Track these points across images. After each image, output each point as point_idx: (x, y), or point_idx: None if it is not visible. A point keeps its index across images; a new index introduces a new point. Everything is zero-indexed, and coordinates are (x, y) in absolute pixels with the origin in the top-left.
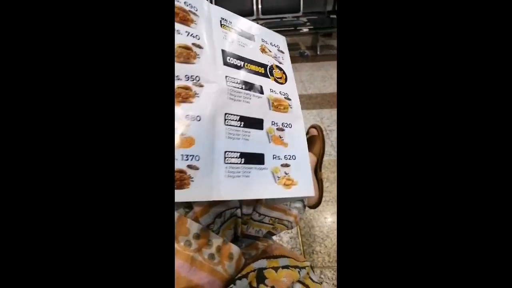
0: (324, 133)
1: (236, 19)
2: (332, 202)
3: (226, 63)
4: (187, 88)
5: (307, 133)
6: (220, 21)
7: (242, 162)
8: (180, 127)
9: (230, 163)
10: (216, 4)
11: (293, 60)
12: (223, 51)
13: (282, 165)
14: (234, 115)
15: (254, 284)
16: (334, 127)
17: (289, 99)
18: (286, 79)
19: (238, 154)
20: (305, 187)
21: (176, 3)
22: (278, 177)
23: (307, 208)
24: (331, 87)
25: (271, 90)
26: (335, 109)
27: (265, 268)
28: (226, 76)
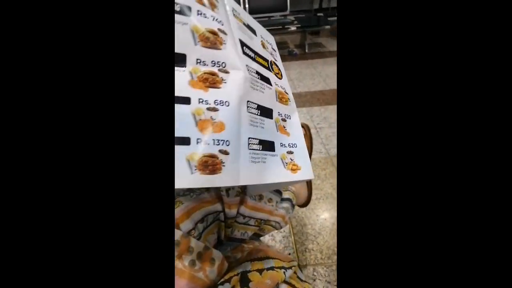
0: (314, 130)
1: (244, 12)
2: (323, 199)
3: (244, 52)
4: (213, 74)
5: None
6: (233, 11)
7: (261, 148)
8: (210, 112)
9: (252, 149)
10: None
11: (282, 58)
12: (240, 40)
13: (287, 152)
14: (254, 103)
15: None
16: (324, 124)
17: (287, 93)
18: (282, 75)
19: (258, 141)
20: (308, 172)
21: None
22: (286, 163)
23: (296, 207)
24: (320, 84)
25: (275, 83)
26: (325, 107)
27: (249, 271)
28: (246, 65)
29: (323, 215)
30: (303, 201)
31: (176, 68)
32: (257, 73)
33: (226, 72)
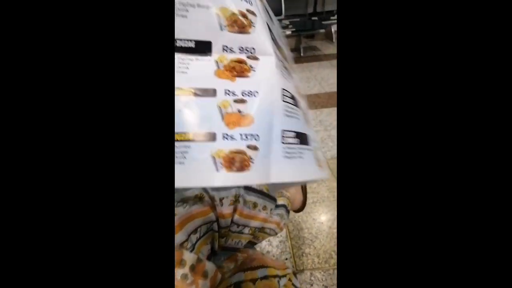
0: None
1: None
2: (319, 203)
3: (272, 39)
4: (241, 61)
5: None
6: None
7: (298, 142)
8: (238, 104)
9: (287, 143)
10: None
11: None
12: (268, 25)
13: (316, 148)
14: (288, 91)
15: None
16: (319, 127)
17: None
18: (293, 70)
19: (294, 134)
20: (326, 169)
21: None
22: (318, 159)
23: (292, 212)
24: (315, 88)
25: (293, 77)
26: (320, 110)
27: (243, 281)
28: (275, 52)
29: (320, 219)
30: (298, 206)
31: (200, 57)
32: (285, 60)
33: (256, 58)
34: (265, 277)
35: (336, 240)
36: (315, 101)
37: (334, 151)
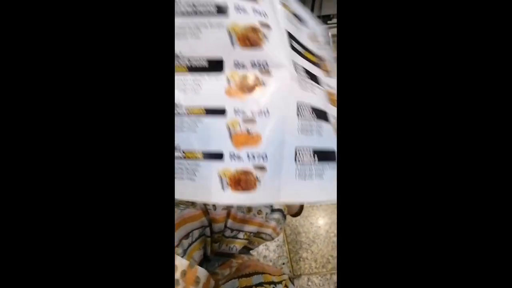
0: None
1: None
2: (317, 206)
3: (292, 47)
4: (253, 77)
5: None
6: (280, 1)
7: (316, 160)
8: (247, 124)
9: (302, 162)
10: None
11: None
12: (289, 34)
13: None
14: (306, 105)
15: None
16: None
17: (334, 94)
18: (331, 73)
19: (311, 151)
20: None
21: None
22: None
23: (288, 216)
24: None
25: (325, 83)
26: None
27: None
28: (294, 62)
29: (317, 223)
30: (296, 211)
31: (212, 74)
32: (306, 71)
33: (268, 72)
34: (260, 284)
35: (333, 245)
36: None
37: None
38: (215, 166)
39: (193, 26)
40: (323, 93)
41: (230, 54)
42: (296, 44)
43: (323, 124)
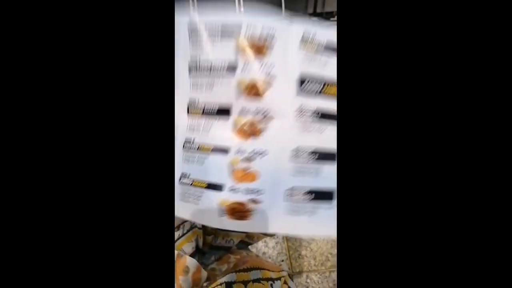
0: None
1: (322, 28)
2: None
3: (302, 90)
4: (255, 123)
5: None
6: (303, 37)
7: (311, 198)
8: (245, 163)
9: (294, 200)
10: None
11: None
12: (301, 76)
13: None
14: (304, 149)
15: None
16: None
17: None
18: None
19: (306, 190)
20: None
21: (250, 34)
22: None
23: None
24: None
25: None
26: None
27: (234, 282)
28: (301, 107)
29: None
30: None
31: (220, 119)
32: (317, 113)
33: (269, 119)
34: (257, 280)
35: (332, 243)
36: None
37: None
38: (216, 196)
39: (209, 81)
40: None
41: (237, 102)
42: (313, 84)
43: (325, 165)
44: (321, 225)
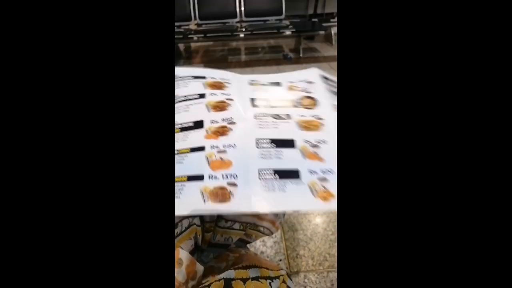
0: None
1: (265, 77)
2: None
3: (254, 105)
4: (224, 127)
5: None
6: (250, 82)
7: (277, 177)
8: (220, 154)
9: (265, 178)
10: (199, 8)
11: (277, 62)
12: (252, 99)
13: (319, 179)
14: (264, 139)
15: None
16: None
17: (321, 119)
18: (316, 104)
19: (272, 171)
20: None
21: (212, 80)
22: (316, 191)
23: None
24: None
25: (300, 115)
26: None
27: (233, 279)
28: (255, 114)
29: (315, 221)
30: None
31: (196, 130)
32: (269, 115)
33: (233, 123)
34: (256, 278)
35: (330, 243)
36: None
37: None
38: (197, 185)
39: (185, 106)
40: (292, 125)
41: (207, 116)
42: (262, 101)
43: (284, 150)
44: (294, 201)
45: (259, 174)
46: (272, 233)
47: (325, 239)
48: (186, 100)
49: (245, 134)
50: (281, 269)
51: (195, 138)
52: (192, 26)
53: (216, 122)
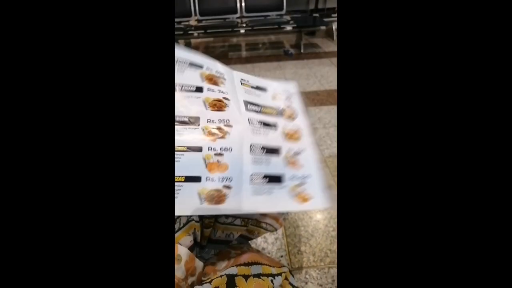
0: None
1: (253, 78)
2: None
3: (247, 109)
4: (220, 128)
5: None
6: (241, 81)
7: (266, 181)
8: (217, 157)
9: (255, 183)
10: (199, 3)
11: (278, 58)
12: (244, 101)
13: (297, 185)
14: (257, 145)
15: None
16: (318, 125)
17: (301, 129)
18: (296, 116)
19: (262, 175)
20: (321, 201)
21: (209, 72)
22: (295, 195)
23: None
24: (315, 85)
25: (284, 125)
26: (319, 107)
27: (236, 275)
28: (248, 118)
29: (316, 217)
30: None
31: (193, 126)
32: (261, 122)
33: (230, 126)
34: (258, 275)
35: (331, 239)
36: (314, 99)
37: (331, 149)
38: (195, 187)
39: (182, 98)
40: (279, 134)
41: (205, 114)
42: (254, 106)
43: (272, 157)
44: (277, 203)
45: (251, 178)
46: (275, 230)
47: (326, 235)
48: (183, 90)
49: (241, 139)
50: (283, 266)
51: (191, 135)
52: (192, 22)
53: (213, 122)
